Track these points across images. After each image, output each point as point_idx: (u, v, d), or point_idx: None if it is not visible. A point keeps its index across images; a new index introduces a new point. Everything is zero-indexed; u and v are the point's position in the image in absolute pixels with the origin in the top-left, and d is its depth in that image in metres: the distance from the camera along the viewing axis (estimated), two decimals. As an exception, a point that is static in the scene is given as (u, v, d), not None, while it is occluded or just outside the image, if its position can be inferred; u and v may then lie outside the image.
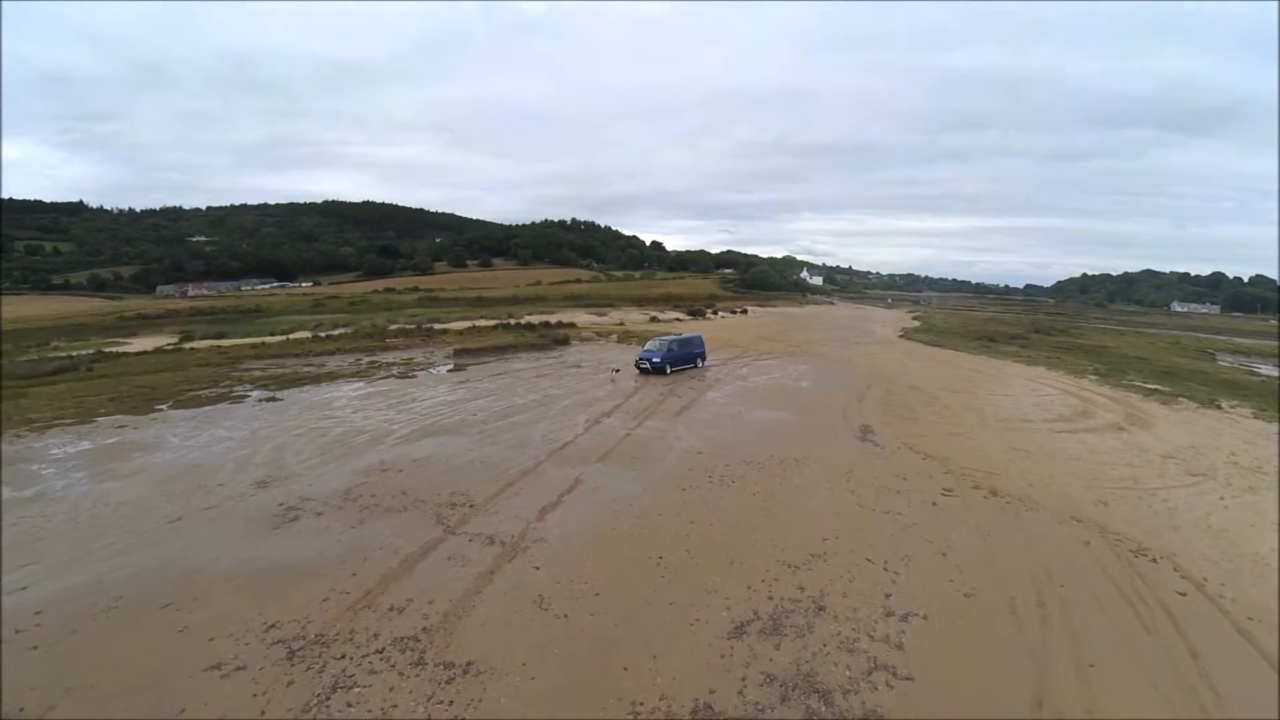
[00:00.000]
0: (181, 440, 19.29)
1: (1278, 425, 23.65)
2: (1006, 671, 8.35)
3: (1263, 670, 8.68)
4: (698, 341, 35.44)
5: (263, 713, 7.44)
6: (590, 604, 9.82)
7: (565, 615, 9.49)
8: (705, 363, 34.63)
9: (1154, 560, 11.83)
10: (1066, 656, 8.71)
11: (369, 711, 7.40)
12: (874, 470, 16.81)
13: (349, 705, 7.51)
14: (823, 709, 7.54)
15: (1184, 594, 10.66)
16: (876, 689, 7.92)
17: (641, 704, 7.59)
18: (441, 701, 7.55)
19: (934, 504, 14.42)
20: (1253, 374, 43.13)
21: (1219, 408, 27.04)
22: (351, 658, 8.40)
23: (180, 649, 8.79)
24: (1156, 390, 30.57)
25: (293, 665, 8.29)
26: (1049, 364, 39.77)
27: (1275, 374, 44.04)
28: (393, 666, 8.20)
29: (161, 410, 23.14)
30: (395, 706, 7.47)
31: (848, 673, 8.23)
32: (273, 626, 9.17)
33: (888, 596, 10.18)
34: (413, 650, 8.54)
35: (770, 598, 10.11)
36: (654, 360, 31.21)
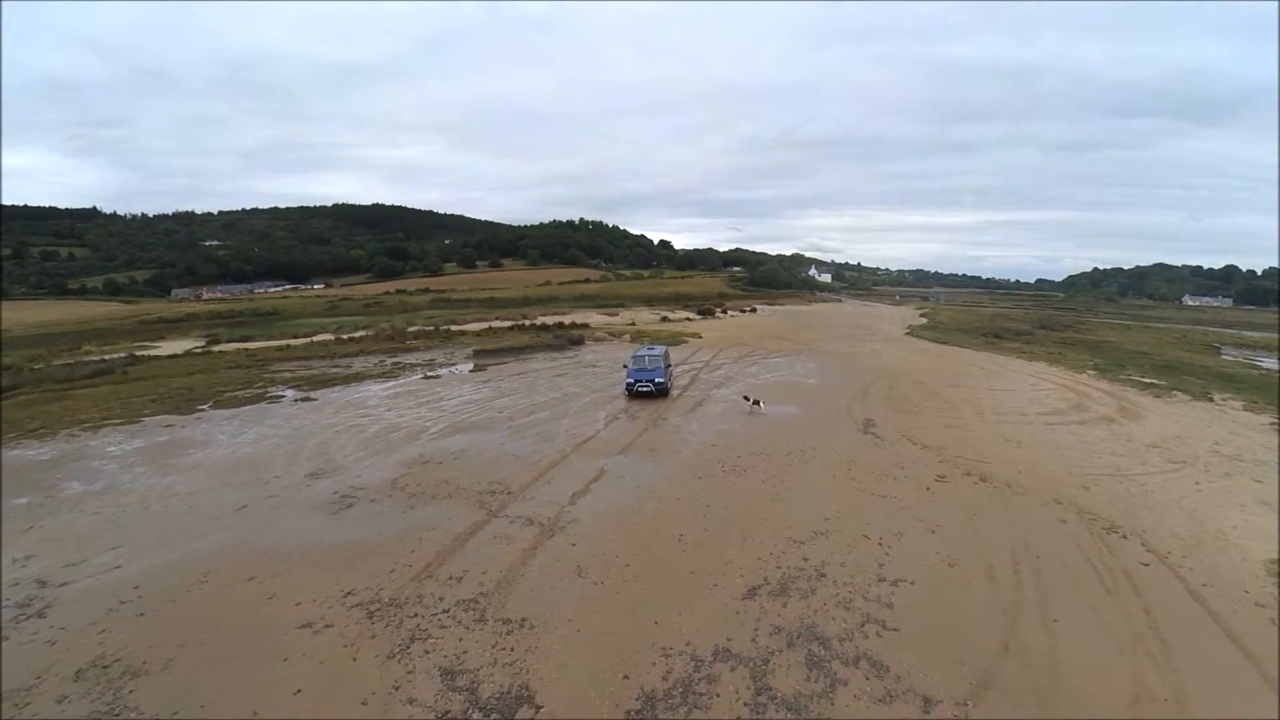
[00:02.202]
0: (230, 437, 20.82)
1: (1279, 416, 24.59)
2: (980, 624, 9.79)
3: (1206, 623, 10.06)
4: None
5: (354, 659, 8.95)
6: (622, 573, 11.35)
7: (601, 582, 11.02)
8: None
9: (1123, 536, 13.18)
10: (1034, 612, 10.15)
11: (444, 657, 8.92)
12: (874, 459, 18.19)
13: (426, 653, 9.03)
14: (822, 651, 9.06)
15: (1146, 564, 12.00)
16: (868, 637, 9.42)
17: (671, 648, 9.12)
18: (504, 648, 9.09)
19: (927, 489, 15.81)
20: (1253, 367, 43.86)
21: (1211, 400, 28.15)
22: (423, 616, 9.95)
23: (272, 612, 10.32)
24: (1152, 384, 31.65)
25: (373, 622, 9.82)
26: (1050, 359, 40.80)
27: (1276, 367, 44.82)
28: (459, 622, 9.74)
29: (204, 410, 24.70)
30: (466, 653, 9.00)
31: (844, 625, 9.74)
32: (350, 593, 10.70)
33: (880, 565, 11.65)
34: (474, 609, 10.08)
35: (778, 567, 11.61)
36: (657, 380, 26.90)
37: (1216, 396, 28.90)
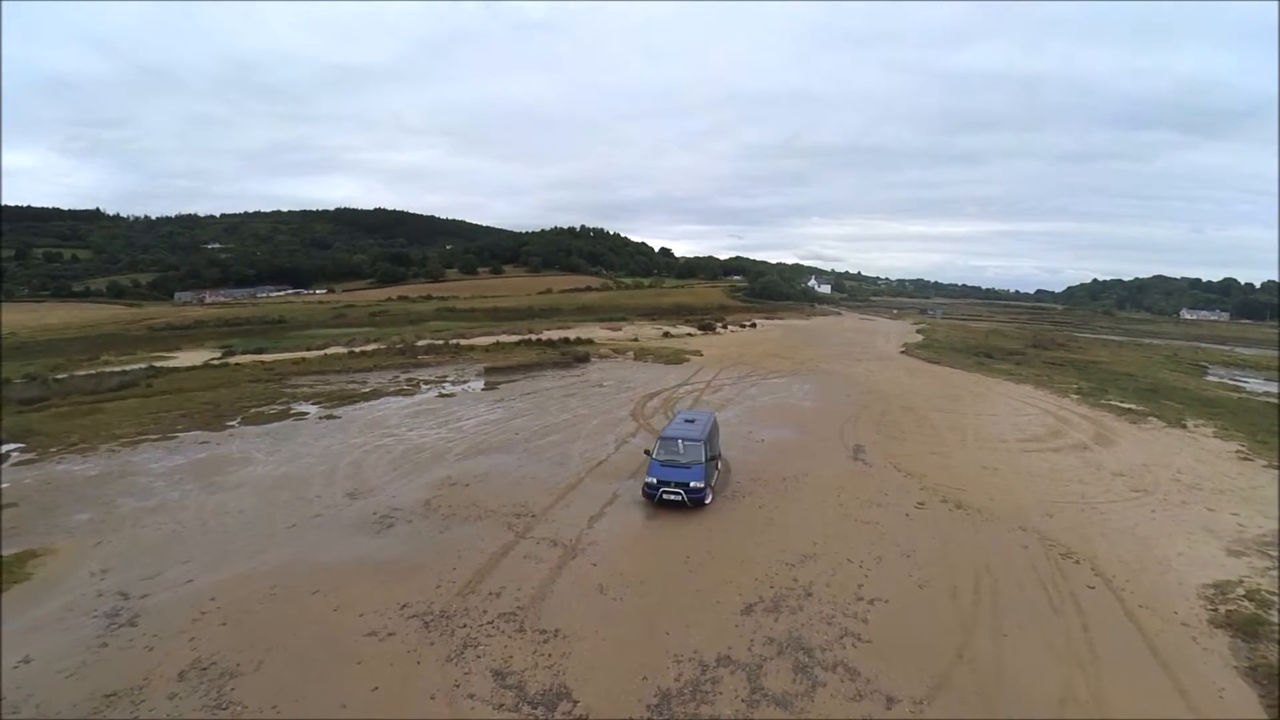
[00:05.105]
0: (266, 456, 22.38)
1: (1278, 450, 25.42)
2: (940, 637, 11.65)
3: (1135, 639, 11.86)
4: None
5: (418, 662, 10.74)
6: (637, 590, 13.21)
7: (620, 598, 12.88)
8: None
9: (1076, 561, 14.98)
10: (987, 627, 12.02)
11: (494, 661, 10.74)
12: (861, 486, 19.98)
13: (478, 657, 10.84)
14: (806, 659, 10.92)
15: (1093, 587, 13.80)
16: (845, 648, 11.28)
17: (681, 655, 10.99)
18: (543, 654, 10.94)
19: (907, 515, 17.63)
20: (1236, 390, 45.11)
21: (1184, 427, 29.77)
22: (471, 626, 11.75)
23: (340, 622, 12.03)
24: (1131, 409, 33.20)
25: (429, 632, 11.61)
26: (1037, 382, 42.19)
27: (1259, 389, 46.02)
28: (502, 632, 11.57)
29: (234, 426, 26.23)
30: (511, 657, 10.82)
31: (826, 637, 11.60)
32: (405, 606, 12.46)
33: (860, 586, 13.50)
34: (514, 621, 11.92)
35: (771, 587, 13.46)
36: (694, 485, 17.33)
37: (1190, 423, 30.46)
